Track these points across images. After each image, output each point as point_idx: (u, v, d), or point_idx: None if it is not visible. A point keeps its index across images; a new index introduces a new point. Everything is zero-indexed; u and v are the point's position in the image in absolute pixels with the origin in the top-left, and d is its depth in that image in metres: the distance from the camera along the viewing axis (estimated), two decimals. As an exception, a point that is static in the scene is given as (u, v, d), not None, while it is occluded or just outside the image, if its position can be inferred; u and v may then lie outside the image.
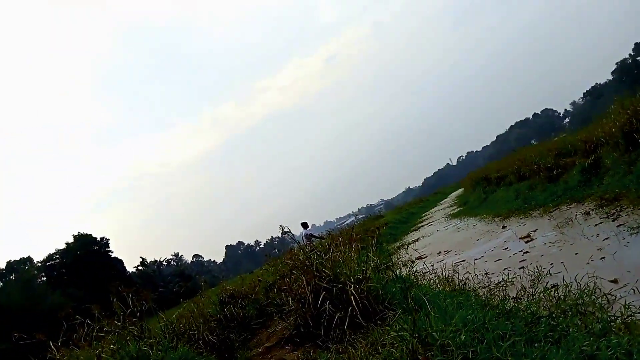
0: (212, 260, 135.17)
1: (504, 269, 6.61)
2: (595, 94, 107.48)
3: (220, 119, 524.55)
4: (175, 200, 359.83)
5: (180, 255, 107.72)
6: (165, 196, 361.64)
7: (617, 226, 6.57)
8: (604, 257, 5.51)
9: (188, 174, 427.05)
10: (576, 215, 8.35)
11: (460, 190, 38.68)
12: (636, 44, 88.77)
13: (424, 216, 28.34)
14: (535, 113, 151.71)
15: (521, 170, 15.88)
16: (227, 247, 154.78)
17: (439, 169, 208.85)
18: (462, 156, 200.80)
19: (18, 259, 61.98)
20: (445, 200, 39.42)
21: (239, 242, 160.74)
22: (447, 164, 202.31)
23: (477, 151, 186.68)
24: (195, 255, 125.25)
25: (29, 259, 62.24)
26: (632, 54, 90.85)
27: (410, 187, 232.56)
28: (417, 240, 15.63)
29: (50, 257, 60.54)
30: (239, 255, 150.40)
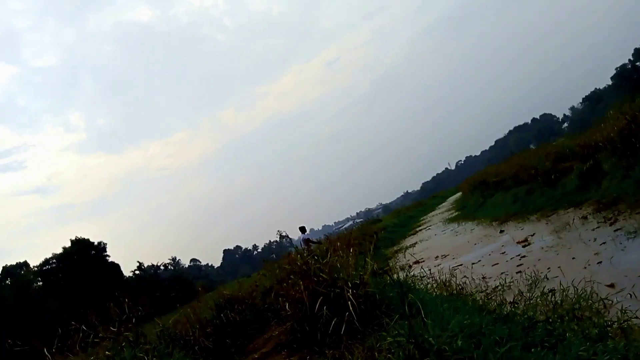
0: (210, 264, 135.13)
1: (501, 273, 6.62)
2: (594, 99, 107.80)
3: (219, 124, 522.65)
4: (173, 205, 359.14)
5: (177, 259, 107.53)
6: (164, 201, 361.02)
7: (615, 230, 6.59)
8: (600, 262, 5.52)
9: (185, 179, 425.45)
10: (573, 219, 8.36)
11: (459, 194, 38.68)
12: (636, 49, 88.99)
13: (422, 220, 28.35)
14: (534, 118, 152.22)
15: (519, 175, 15.88)
16: (224, 251, 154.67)
17: (437, 174, 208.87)
18: (460, 161, 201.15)
19: (14, 263, 61.79)
20: (444, 204, 39.43)
21: (236, 246, 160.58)
22: (446, 168, 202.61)
23: (475, 156, 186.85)
24: (192, 260, 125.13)
25: (25, 263, 62.00)
26: (632, 59, 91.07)
27: (409, 191, 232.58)
28: (414, 244, 15.63)
29: (46, 262, 60.28)
30: (237, 259, 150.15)
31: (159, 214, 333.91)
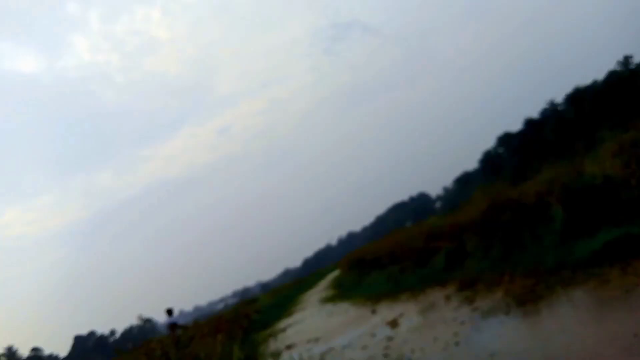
0: (54, 354, 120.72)
1: (369, 357, 6.84)
2: (463, 180, 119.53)
3: (94, 188, 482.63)
4: (22, 281, 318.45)
5: (14, 349, 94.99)
6: (12, 276, 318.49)
7: (472, 310, 7.23)
8: (458, 342, 5.98)
9: (46, 250, 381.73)
10: (439, 299, 9.02)
11: (337, 272, 39.58)
12: (498, 137, 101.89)
13: (299, 300, 28.39)
14: (411, 196, 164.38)
15: (395, 253, 16.74)
16: (76, 338, 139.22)
17: (319, 249, 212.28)
18: (342, 236, 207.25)
19: None
20: (322, 282, 39.95)
21: (90, 331, 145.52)
22: (327, 243, 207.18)
23: (356, 231, 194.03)
24: (33, 349, 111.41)
25: None
26: (495, 145, 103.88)
27: (289, 267, 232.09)
28: (289, 326, 15.54)
29: None
30: (89, 347, 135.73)
31: (3, 291, 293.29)
